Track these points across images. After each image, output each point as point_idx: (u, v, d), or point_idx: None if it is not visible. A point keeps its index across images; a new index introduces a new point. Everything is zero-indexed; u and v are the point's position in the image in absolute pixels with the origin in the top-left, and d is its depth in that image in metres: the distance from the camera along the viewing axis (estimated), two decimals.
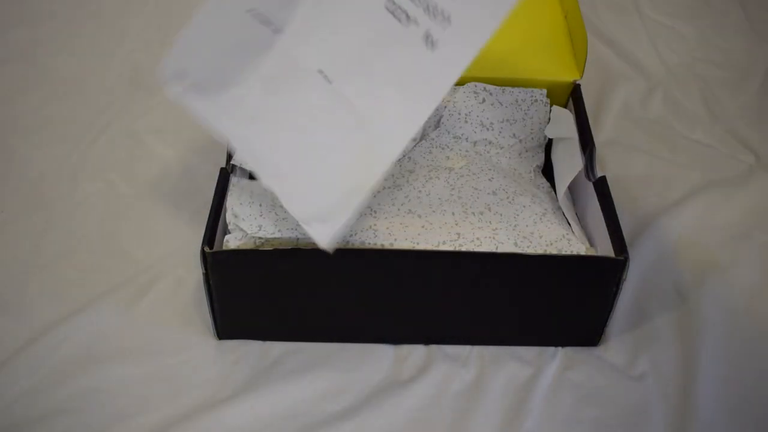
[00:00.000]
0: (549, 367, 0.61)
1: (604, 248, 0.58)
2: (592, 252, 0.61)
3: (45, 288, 0.66)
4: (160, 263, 0.68)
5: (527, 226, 0.61)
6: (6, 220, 0.71)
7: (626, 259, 0.55)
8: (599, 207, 0.60)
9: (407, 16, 0.52)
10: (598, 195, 0.61)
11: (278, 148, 0.55)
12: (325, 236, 0.52)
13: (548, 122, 0.71)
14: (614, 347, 0.63)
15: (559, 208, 0.67)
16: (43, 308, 0.64)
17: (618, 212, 0.59)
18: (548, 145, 0.72)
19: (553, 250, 0.59)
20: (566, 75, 0.72)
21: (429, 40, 0.52)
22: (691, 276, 0.68)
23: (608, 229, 0.58)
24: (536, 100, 0.71)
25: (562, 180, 0.67)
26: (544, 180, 0.70)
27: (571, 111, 0.70)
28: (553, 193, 0.69)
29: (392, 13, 0.53)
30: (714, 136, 0.83)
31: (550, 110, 0.71)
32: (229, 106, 0.56)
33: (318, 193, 0.54)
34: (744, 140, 0.83)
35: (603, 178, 0.62)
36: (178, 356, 0.61)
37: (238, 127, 0.56)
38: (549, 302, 0.59)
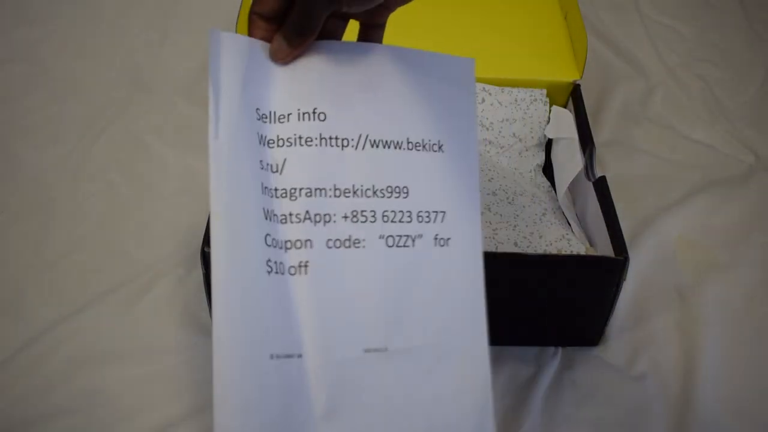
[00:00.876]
0: (549, 367, 0.61)
1: (604, 248, 0.58)
2: (592, 252, 0.61)
3: (45, 288, 0.66)
4: (160, 263, 0.68)
5: (527, 226, 0.61)
6: (6, 220, 0.71)
7: (626, 259, 0.55)
8: (599, 207, 0.60)
9: (410, 238, 0.43)
10: (598, 195, 0.61)
11: None
12: None
13: (548, 122, 0.71)
14: (614, 347, 0.63)
15: (559, 208, 0.67)
16: (43, 308, 0.64)
17: (618, 212, 0.59)
18: (548, 145, 0.72)
19: (553, 250, 0.59)
20: (566, 75, 0.72)
21: (439, 241, 0.44)
22: (691, 276, 0.68)
23: (608, 229, 0.58)
24: (536, 100, 0.71)
25: (562, 180, 0.67)
26: (544, 179, 0.70)
27: (571, 111, 0.70)
28: (553, 192, 0.69)
29: (395, 244, 0.43)
30: (714, 136, 0.83)
31: (550, 110, 0.71)
32: None
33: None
34: (744, 140, 0.83)
35: (603, 178, 0.62)
36: (178, 356, 0.61)
37: None
38: (549, 302, 0.59)
